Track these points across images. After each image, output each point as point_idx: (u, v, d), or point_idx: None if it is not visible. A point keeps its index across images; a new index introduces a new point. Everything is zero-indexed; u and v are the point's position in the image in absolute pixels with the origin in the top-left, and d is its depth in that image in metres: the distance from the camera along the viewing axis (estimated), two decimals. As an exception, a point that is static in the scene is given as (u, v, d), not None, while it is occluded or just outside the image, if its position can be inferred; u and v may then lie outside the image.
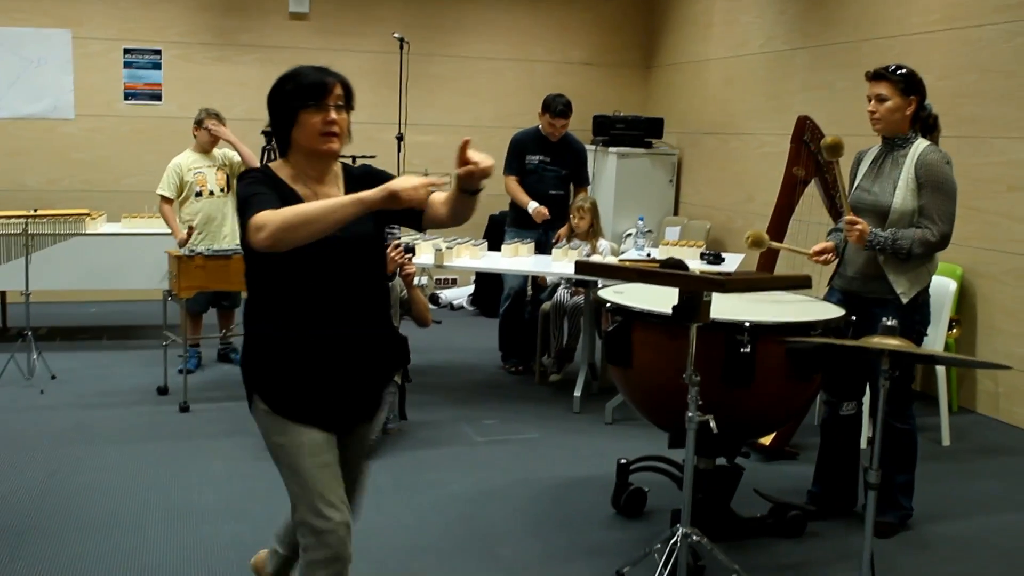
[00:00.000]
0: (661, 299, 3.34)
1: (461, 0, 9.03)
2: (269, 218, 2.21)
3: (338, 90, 2.43)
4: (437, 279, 8.98)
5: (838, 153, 3.80)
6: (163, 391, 5.56)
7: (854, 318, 3.62)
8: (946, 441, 5.09)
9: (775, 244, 4.37)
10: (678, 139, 8.96)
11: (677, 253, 5.98)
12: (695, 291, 2.81)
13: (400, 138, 7.77)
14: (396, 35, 7.68)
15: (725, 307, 3.39)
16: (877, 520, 3.77)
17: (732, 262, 5.99)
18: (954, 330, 5.48)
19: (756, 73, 7.88)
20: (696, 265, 5.60)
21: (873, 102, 3.75)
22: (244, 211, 2.30)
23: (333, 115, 2.41)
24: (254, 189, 2.35)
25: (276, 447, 2.50)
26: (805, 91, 7.19)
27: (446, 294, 8.83)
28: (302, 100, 2.39)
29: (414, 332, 5.26)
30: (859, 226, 3.68)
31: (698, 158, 8.73)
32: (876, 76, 3.75)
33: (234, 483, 4.27)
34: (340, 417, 2.53)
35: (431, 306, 6.42)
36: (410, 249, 5.02)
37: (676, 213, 8.87)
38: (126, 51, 8.25)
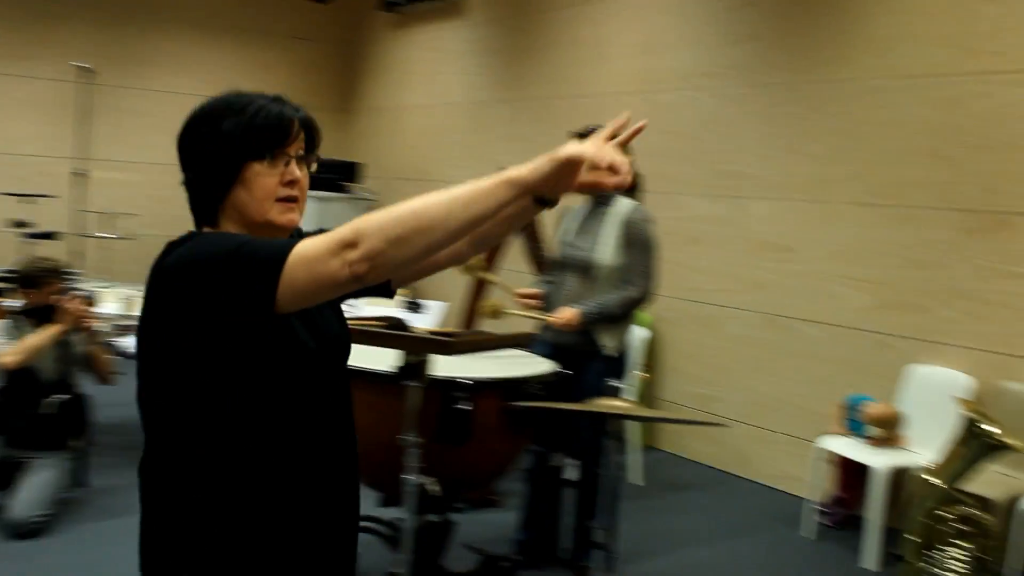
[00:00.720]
0: (373, 355, 3.23)
1: (155, 31, 8.52)
2: (362, 229, 1.43)
3: (302, 133, 1.68)
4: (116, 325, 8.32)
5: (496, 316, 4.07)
6: None
7: (570, 372, 3.68)
8: (638, 479, 5.34)
9: (488, 276, 4.47)
10: (376, 184, 8.92)
11: (377, 302, 5.90)
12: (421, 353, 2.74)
13: (79, 174, 7.17)
14: (77, 63, 7.10)
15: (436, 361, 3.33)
16: (580, 564, 3.88)
17: (434, 310, 6.01)
18: (645, 375, 5.79)
19: (456, 122, 8.03)
20: (395, 313, 5.55)
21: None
22: (252, 255, 1.47)
23: (296, 172, 1.65)
24: (240, 238, 1.55)
25: None
26: (503, 142, 7.40)
27: (126, 342, 8.17)
28: (253, 147, 1.61)
29: (96, 389, 4.81)
30: (564, 320, 3.77)
31: (396, 204, 8.72)
32: (583, 137, 3.87)
33: None
34: None
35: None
36: (89, 299, 4.57)
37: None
38: None
